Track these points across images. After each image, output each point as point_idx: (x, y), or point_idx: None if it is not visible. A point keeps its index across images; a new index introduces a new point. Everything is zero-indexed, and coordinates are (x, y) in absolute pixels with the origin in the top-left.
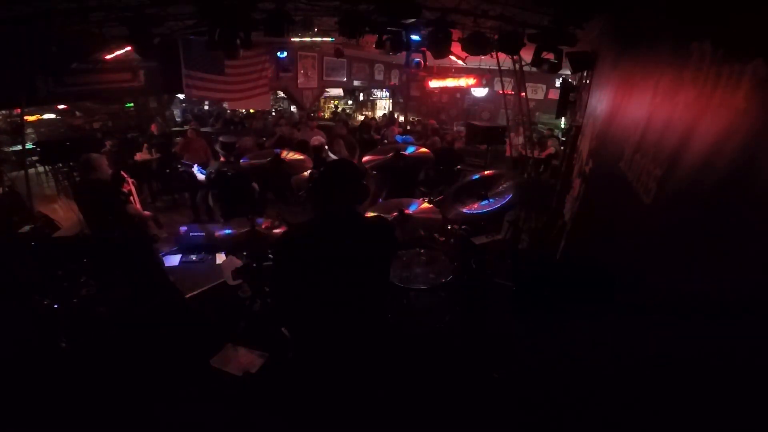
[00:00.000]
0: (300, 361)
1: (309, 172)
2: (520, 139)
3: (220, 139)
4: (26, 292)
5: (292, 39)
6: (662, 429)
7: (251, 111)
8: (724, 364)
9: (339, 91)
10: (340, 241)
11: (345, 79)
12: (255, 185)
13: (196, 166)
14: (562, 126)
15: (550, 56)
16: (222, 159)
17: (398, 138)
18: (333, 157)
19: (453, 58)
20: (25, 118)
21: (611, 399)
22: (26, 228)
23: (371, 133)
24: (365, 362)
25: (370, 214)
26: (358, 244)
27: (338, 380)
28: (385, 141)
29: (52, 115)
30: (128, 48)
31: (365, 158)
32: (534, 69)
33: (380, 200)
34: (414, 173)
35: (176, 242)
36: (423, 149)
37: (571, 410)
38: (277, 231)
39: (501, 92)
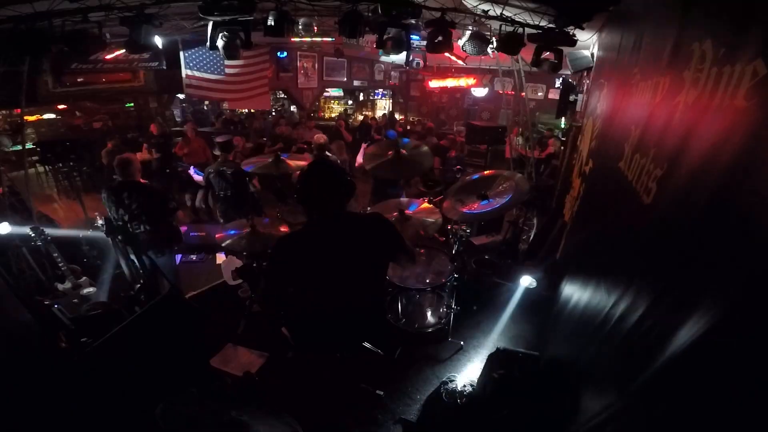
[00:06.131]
0: (299, 360)
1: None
2: (520, 140)
3: (216, 139)
4: (26, 292)
5: (292, 39)
6: None
7: (251, 111)
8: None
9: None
10: (334, 242)
11: (345, 79)
12: (255, 185)
13: (192, 167)
14: (562, 126)
15: (550, 56)
16: (220, 159)
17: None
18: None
19: (453, 57)
20: (25, 118)
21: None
22: (26, 228)
23: (371, 134)
24: (364, 362)
25: (367, 212)
26: (353, 244)
27: (337, 379)
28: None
29: (52, 115)
30: None
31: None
32: (534, 69)
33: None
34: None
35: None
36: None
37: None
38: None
39: (501, 92)
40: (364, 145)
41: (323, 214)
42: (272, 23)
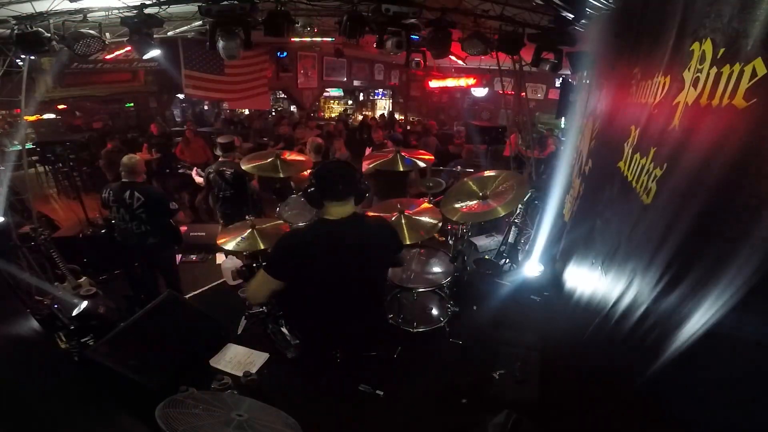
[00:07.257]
0: (300, 360)
1: (309, 172)
2: (518, 140)
3: (218, 139)
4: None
5: (292, 39)
6: None
7: (246, 111)
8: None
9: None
10: (340, 242)
11: (345, 79)
12: (254, 185)
13: (195, 169)
14: (562, 126)
15: (550, 56)
16: (220, 159)
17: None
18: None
19: (453, 57)
20: (25, 118)
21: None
22: (26, 228)
23: (371, 133)
24: (364, 362)
25: (371, 215)
26: (359, 245)
27: (338, 379)
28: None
29: (52, 115)
30: (128, 48)
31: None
32: (534, 69)
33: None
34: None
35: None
36: (420, 151)
37: (573, 413)
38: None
39: (501, 92)
40: (369, 150)
41: (333, 214)
42: (272, 23)
